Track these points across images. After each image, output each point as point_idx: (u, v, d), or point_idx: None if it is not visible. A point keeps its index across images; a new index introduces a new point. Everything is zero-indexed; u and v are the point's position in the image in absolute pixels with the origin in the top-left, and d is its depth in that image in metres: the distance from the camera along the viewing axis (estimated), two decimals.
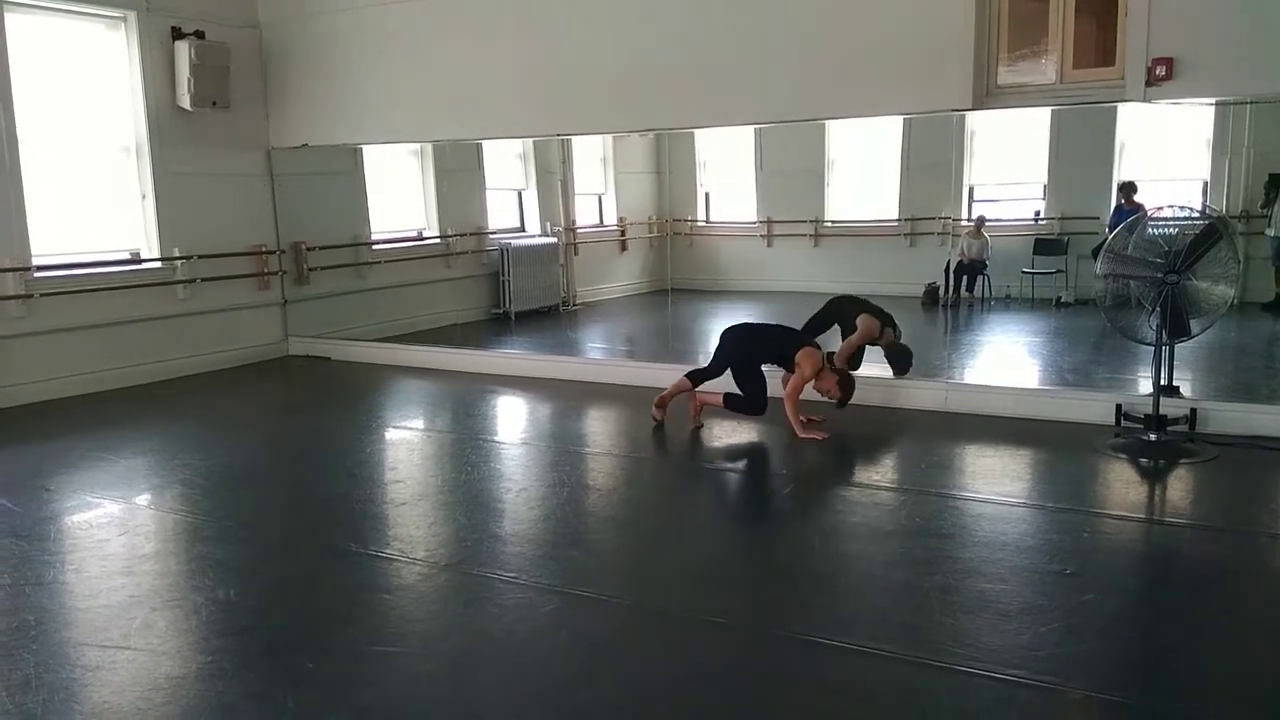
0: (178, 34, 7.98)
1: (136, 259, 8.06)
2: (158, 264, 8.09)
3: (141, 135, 7.97)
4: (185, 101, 8.03)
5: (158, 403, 7.35)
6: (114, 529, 4.63)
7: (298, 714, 2.94)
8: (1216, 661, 3.21)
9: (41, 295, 7.28)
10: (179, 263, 8.16)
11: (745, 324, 6.33)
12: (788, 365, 5.91)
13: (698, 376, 6.13)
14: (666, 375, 7.32)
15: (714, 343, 6.33)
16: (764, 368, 6.06)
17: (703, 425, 6.14)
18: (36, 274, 7.29)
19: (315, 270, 9.17)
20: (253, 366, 8.62)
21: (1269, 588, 3.84)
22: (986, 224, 11.47)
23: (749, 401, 6.00)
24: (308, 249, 9.09)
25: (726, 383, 6.08)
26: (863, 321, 6.86)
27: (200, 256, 8.27)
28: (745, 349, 6.09)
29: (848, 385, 5.85)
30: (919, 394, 6.55)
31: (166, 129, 8.06)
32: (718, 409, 6.08)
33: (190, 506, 4.97)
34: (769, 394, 6.00)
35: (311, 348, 9.03)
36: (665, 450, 5.97)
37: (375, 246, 9.75)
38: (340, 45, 8.37)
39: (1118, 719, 2.90)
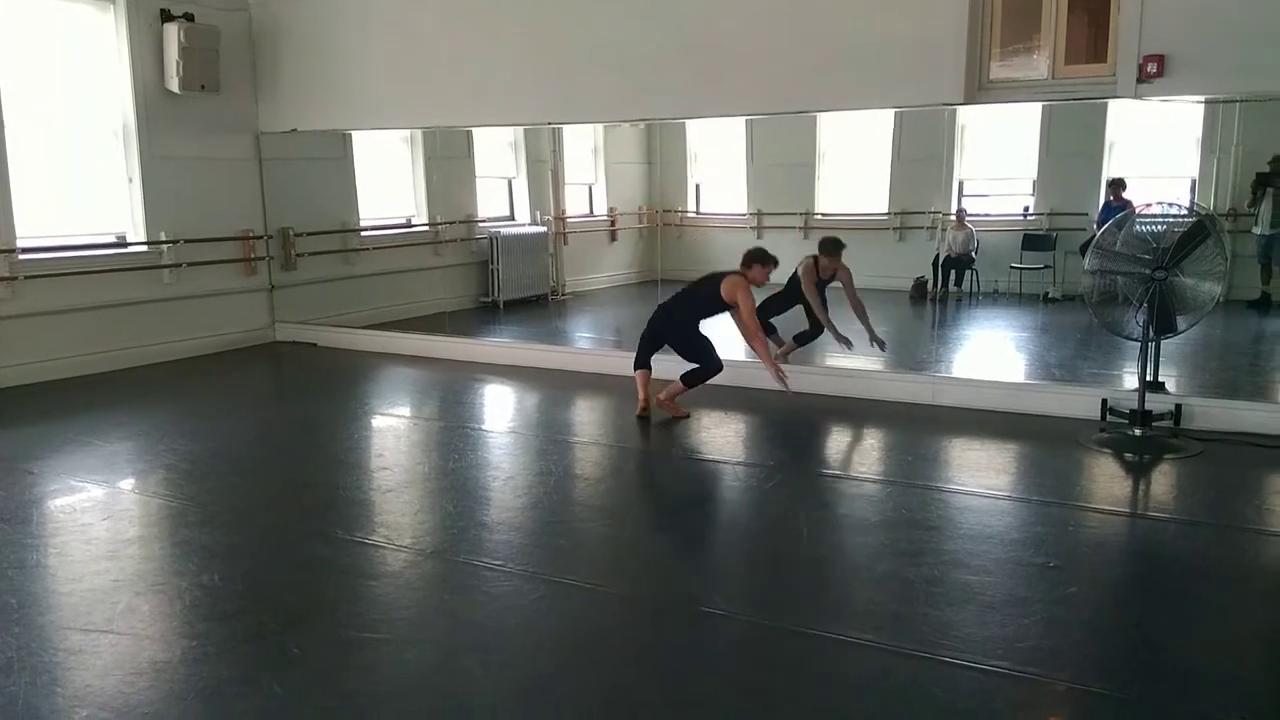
0: (167, 16, 7.92)
1: (123, 242, 8.01)
2: (144, 248, 8.04)
3: (129, 118, 7.91)
4: (174, 85, 7.96)
5: (143, 387, 7.31)
6: (98, 513, 4.61)
7: (283, 699, 2.93)
8: (1198, 654, 3.23)
9: (26, 278, 7.23)
10: (165, 247, 8.10)
11: (662, 305, 6.34)
12: (724, 308, 6.02)
13: (643, 361, 6.19)
14: (656, 366, 7.33)
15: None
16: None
17: (689, 415, 6.14)
18: (21, 256, 7.23)
19: (303, 256, 9.12)
20: (239, 352, 8.58)
21: (1251, 582, 3.87)
22: (969, 217, 11.48)
23: (705, 369, 6.10)
24: (295, 235, 9.04)
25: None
26: (802, 270, 7.15)
27: (187, 241, 8.21)
28: (674, 325, 6.14)
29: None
30: (906, 387, 6.57)
31: (154, 112, 7.99)
32: (684, 391, 6.17)
33: (175, 491, 4.95)
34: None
35: (298, 334, 8.99)
36: (652, 440, 5.97)
37: (364, 233, 9.71)
38: (331, 29, 8.32)
39: (1100, 710, 2.92)
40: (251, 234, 8.79)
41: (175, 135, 8.12)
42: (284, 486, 5.13)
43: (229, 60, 8.35)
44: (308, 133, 8.71)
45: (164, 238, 8.09)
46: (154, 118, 7.99)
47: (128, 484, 5.19)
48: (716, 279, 6.08)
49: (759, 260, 6.08)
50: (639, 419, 6.07)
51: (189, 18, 7.95)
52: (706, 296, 6.07)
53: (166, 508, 4.75)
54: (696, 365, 6.11)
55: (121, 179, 7.96)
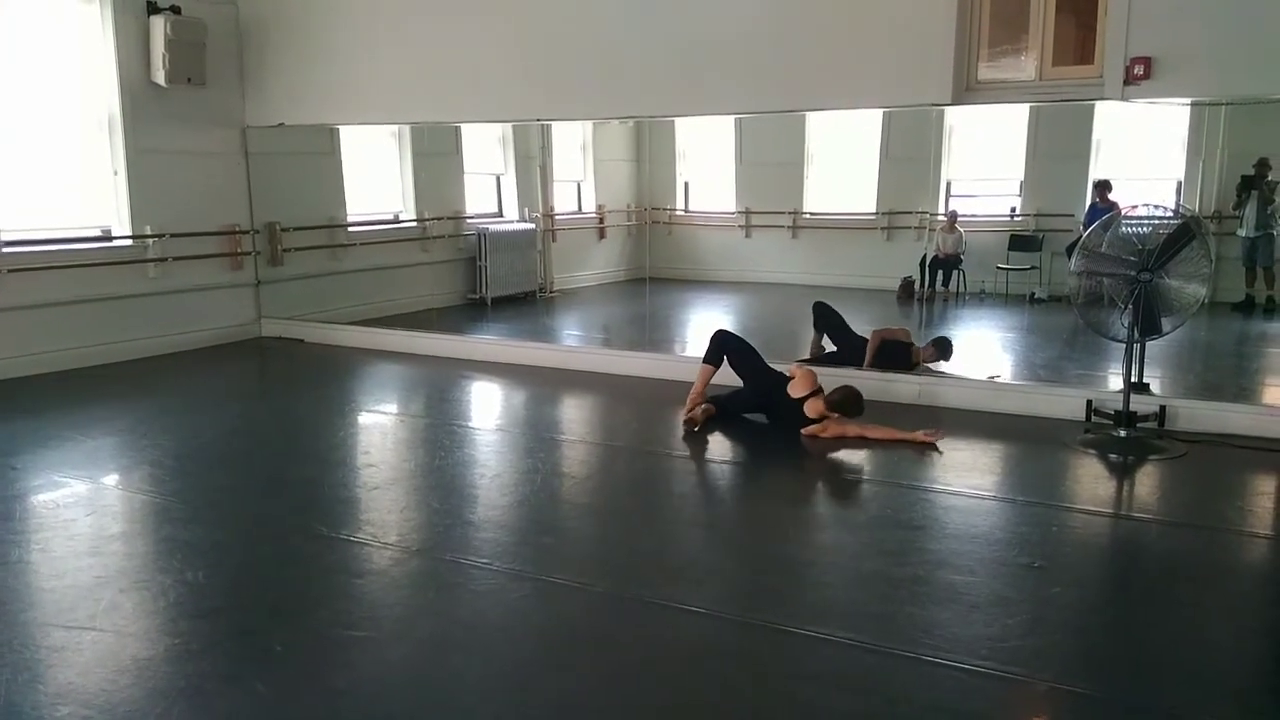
0: (153, 8, 7.87)
1: (107, 236, 7.95)
2: (129, 241, 7.99)
3: (115, 111, 7.85)
4: (160, 78, 7.92)
5: (127, 382, 7.27)
6: (81, 509, 4.58)
7: (268, 697, 2.92)
8: (1180, 653, 3.26)
9: (10, 271, 7.17)
10: (150, 241, 8.06)
11: (766, 369, 6.07)
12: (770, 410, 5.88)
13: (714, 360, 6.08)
14: (644, 364, 7.36)
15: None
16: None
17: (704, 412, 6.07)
18: (5, 249, 7.17)
19: (290, 251, 9.08)
20: (224, 347, 8.54)
21: (1233, 582, 3.90)
22: (961, 219, 11.53)
23: (737, 395, 6.06)
24: (282, 230, 9.00)
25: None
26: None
27: (172, 235, 8.17)
28: (753, 373, 6.03)
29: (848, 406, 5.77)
30: (892, 387, 6.58)
31: (140, 105, 7.95)
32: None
33: (159, 488, 4.92)
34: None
35: (285, 329, 8.95)
36: (639, 439, 5.98)
37: (351, 229, 9.67)
38: (319, 23, 8.28)
39: (1083, 710, 2.93)
40: (238, 229, 8.75)
41: (161, 128, 8.07)
42: (269, 483, 5.11)
43: (215, 53, 8.31)
44: (295, 127, 8.67)
45: (149, 231, 8.04)
46: (140, 111, 7.94)
47: (111, 480, 5.16)
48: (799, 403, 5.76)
49: (847, 409, 5.74)
50: (689, 426, 5.87)
51: (175, 10, 7.90)
52: (788, 403, 5.80)
53: (150, 504, 4.73)
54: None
55: (107, 172, 7.91)
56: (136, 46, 7.88)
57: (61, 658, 3.15)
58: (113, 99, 7.84)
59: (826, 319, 7.44)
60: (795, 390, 5.75)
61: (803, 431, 5.68)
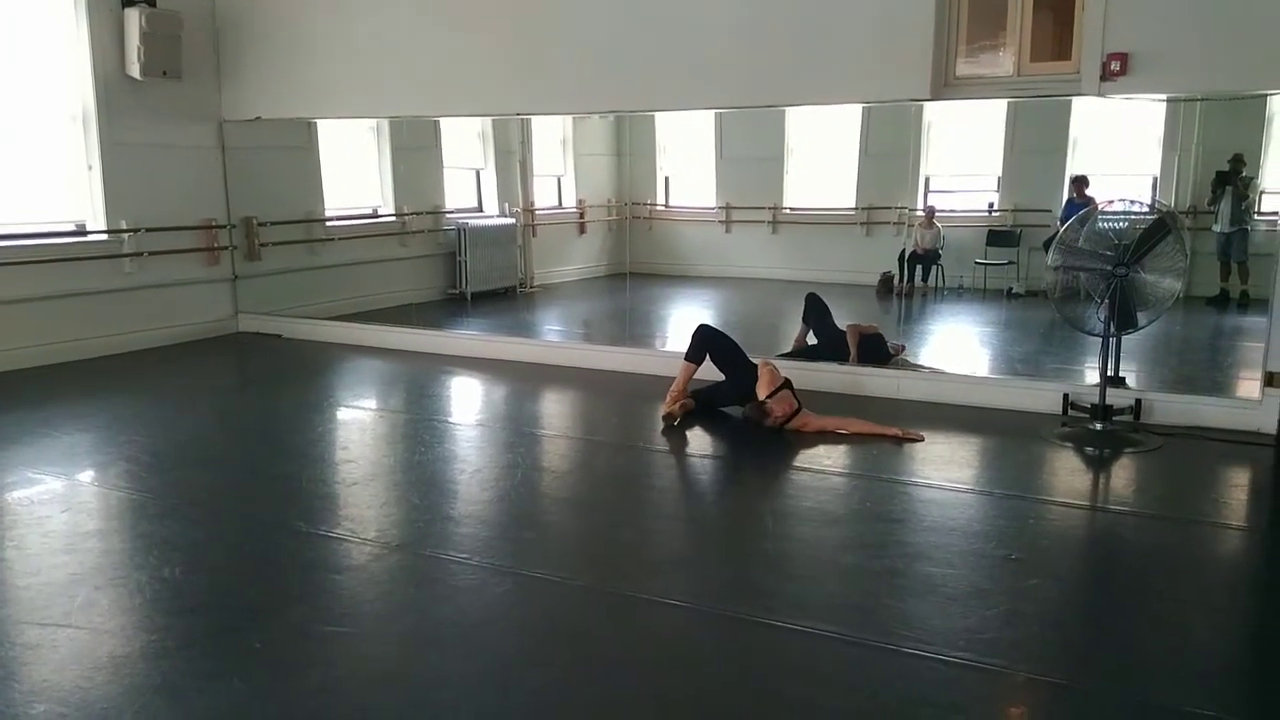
0: (127, 1, 7.79)
1: (82, 231, 7.87)
2: (104, 236, 7.91)
3: (89, 104, 7.77)
4: (135, 71, 7.84)
5: (103, 378, 7.20)
6: (56, 506, 4.54)
7: (246, 694, 2.90)
8: (1156, 645, 3.29)
9: None
10: (126, 236, 7.98)
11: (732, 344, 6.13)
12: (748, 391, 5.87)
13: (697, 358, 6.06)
14: (624, 359, 7.36)
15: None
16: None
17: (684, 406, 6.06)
18: None
19: (267, 246, 9.02)
20: (201, 343, 8.47)
21: (1207, 573, 3.94)
22: (939, 214, 11.58)
23: (721, 386, 6.06)
24: (260, 224, 8.94)
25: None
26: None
27: (148, 230, 8.09)
28: (735, 368, 6.04)
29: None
30: (871, 381, 6.62)
31: (115, 98, 7.86)
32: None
33: (135, 484, 4.88)
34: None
35: (262, 325, 8.89)
36: (620, 433, 5.97)
37: (329, 223, 9.62)
38: (296, 16, 8.22)
39: (1060, 700, 2.96)
40: (214, 223, 8.68)
41: (136, 122, 8.00)
42: (247, 479, 5.08)
43: (191, 46, 8.23)
44: (272, 121, 8.60)
45: (125, 226, 7.96)
46: (114, 104, 7.86)
47: (87, 476, 5.11)
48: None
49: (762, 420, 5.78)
50: (669, 421, 5.86)
51: (150, 3, 7.82)
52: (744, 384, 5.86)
53: (126, 500, 4.69)
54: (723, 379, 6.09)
55: (81, 166, 7.82)
56: (111, 39, 7.79)
57: (36, 655, 3.12)
58: (87, 92, 7.75)
59: (817, 311, 7.49)
60: (760, 390, 5.74)
61: (785, 426, 5.69)
